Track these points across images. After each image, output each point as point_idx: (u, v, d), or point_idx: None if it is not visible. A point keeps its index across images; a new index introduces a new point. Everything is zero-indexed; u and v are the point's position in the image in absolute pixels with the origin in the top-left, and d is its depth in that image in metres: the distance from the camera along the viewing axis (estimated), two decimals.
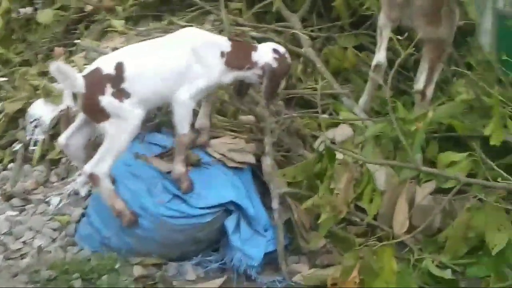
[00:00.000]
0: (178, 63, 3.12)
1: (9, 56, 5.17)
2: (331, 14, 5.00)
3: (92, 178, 3.02)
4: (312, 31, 4.75)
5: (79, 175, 3.63)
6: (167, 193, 3.14)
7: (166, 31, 4.44)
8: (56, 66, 2.88)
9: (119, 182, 3.18)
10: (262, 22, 4.88)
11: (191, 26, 3.80)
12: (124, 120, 2.99)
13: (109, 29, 4.77)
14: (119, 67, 3.03)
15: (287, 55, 3.36)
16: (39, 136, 3.93)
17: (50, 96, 3.95)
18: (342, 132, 3.98)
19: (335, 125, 4.04)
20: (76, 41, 4.21)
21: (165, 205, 3.13)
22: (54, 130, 3.87)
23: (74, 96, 3.01)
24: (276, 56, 3.30)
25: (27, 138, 3.97)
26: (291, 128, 3.82)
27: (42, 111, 3.98)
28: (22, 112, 4.11)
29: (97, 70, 3.04)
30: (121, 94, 2.98)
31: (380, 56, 4.03)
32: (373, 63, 4.09)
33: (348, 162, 2.98)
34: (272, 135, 3.48)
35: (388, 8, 3.99)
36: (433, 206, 3.26)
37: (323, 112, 4.16)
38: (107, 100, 2.98)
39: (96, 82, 2.99)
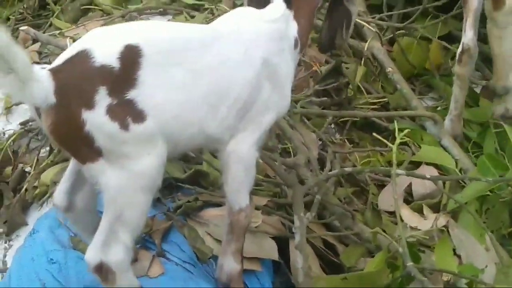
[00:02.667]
0: (245, 81, 1.66)
1: None
2: None
3: (103, 272, 1.58)
4: (380, 17, 3.22)
5: None
6: None
7: (165, 13, 3.06)
8: None
9: None
10: None
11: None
12: (133, 160, 1.51)
13: (91, 6, 3.40)
14: (130, 53, 1.49)
15: None
16: None
17: None
18: (423, 181, 2.52)
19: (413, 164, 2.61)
20: (22, 27, 2.83)
21: None
22: None
23: (37, 109, 1.50)
24: None
25: None
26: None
27: None
28: None
29: (82, 56, 1.47)
30: (125, 111, 1.48)
31: (468, 36, 2.62)
32: (458, 50, 2.69)
33: None
34: (308, 207, 2.01)
35: None
36: None
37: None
38: (97, 120, 1.46)
39: (78, 80, 1.46)
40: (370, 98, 2.93)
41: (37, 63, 2.77)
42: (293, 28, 1.81)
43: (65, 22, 3.34)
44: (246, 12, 1.79)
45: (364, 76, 2.99)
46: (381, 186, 2.58)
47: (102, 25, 2.97)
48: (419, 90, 3.23)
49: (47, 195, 2.21)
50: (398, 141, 1.75)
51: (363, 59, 2.96)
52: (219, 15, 2.86)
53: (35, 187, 2.25)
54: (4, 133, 2.54)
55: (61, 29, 3.23)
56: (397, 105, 2.95)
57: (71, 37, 2.81)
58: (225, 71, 1.63)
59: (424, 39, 3.25)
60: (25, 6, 3.73)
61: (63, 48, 2.68)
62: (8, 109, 2.56)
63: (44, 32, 3.29)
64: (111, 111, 1.46)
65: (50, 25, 3.40)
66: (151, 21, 1.67)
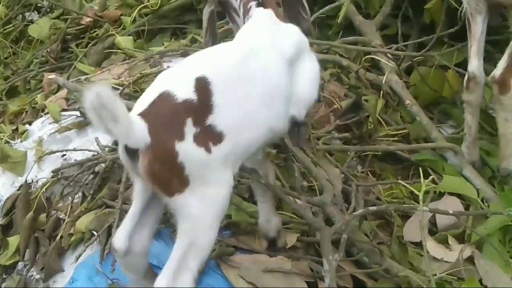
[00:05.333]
0: (282, 81, 1.88)
1: None
2: (422, 19, 3.54)
3: None
4: (397, 47, 3.28)
5: None
6: None
7: (186, 54, 3.13)
8: (96, 95, 1.46)
9: None
10: (325, 36, 3.50)
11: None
12: (212, 187, 1.66)
13: (113, 50, 3.48)
14: (202, 84, 1.67)
15: None
16: None
17: (7, 162, 2.67)
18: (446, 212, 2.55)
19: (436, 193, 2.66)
20: (50, 76, 2.91)
21: None
22: (8, 219, 2.58)
23: (131, 152, 1.62)
24: None
25: None
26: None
27: None
28: None
29: (164, 96, 1.64)
30: (207, 136, 1.65)
31: (473, 64, 2.70)
32: (465, 77, 2.76)
33: None
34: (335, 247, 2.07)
35: None
36: None
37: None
38: (187, 149, 1.61)
39: (167, 118, 1.62)
40: (390, 130, 2.98)
41: (66, 110, 2.87)
42: None
43: (88, 65, 3.43)
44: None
45: (383, 107, 3.05)
46: (405, 216, 2.63)
47: (126, 69, 3.06)
48: (437, 118, 3.28)
49: (83, 242, 2.28)
50: (424, 188, 1.80)
51: (382, 92, 3.01)
52: None
53: (71, 234, 2.32)
54: (37, 181, 2.61)
55: (85, 72, 3.32)
56: (417, 136, 3.00)
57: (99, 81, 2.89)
58: (268, 73, 1.83)
59: (440, 67, 3.30)
60: (48, 50, 3.81)
61: None
62: (40, 158, 2.62)
63: (68, 76, 3.40)
64: (197, 139, 1.62)
65: (74, 67, 3.49)
66: (199, 52, 1.84)
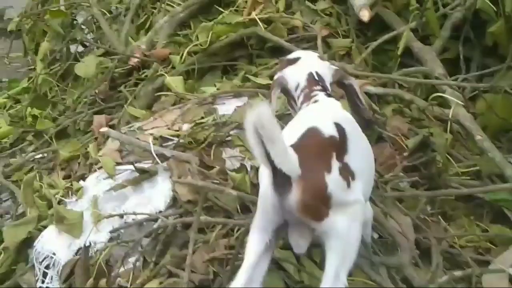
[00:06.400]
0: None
1: (43, 126, 3.83)
2: (484, 40, 3.36)
3: None
4: (462, 79, 3.10)
5: None
6: None
7: (239, 95, 3.02)
8: (256, 116, 1.54)
9: None
10: (381, 64, 3.34)
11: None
12: (350, 207, 1.79)
13: (163, 90, 3.36)
14: (340, 128, 1.87)
15: None
16: (53, 284, 2.56)
17: (63, 224, 2.57)
18: None
19: None
20: (102, 129, 2.78)
21: None
22: (67, 284, 2.48)
23: (280, 184, 1.70)
24: None
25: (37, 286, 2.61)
26: None
27: (55, 245, 2.61)
28: (31, 241, 2.73)
29: (312, 131, 1.82)
30: (346, 171, 1.79)
31: None
32: None
33: None
34: None
35: None
36: None
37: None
38: (335, 181, 1.75)
39: (317, 151, 1.77)
40: (460, 167, 2.81)
41: (119, 163, 2.76)
42: None
43: (138, 107, 3.32)
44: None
45: (452, 144, 2.89)
46: (483, 261, 2.47)
47: (179, 115, 2.94)
48: (506, 148, 3.10)
49: None
50: None
51: (448, 126, 2.84)
52: None
53: None
54: (95, 243, 2.51)
55: (135, 116, 3.22)
56: (489, 172, 2.81)
57: (151, 133, 2.77)
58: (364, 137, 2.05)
59: (506, 92, 3.11)
60: (96, 91, 3.72)
61: (145, 148, 2.67)
62: (98, 221, 2.52)
63: (119, 121, 3.29)
64: (341, 172, 1.75)
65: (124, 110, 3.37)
66: (312, 109, 2.04)
